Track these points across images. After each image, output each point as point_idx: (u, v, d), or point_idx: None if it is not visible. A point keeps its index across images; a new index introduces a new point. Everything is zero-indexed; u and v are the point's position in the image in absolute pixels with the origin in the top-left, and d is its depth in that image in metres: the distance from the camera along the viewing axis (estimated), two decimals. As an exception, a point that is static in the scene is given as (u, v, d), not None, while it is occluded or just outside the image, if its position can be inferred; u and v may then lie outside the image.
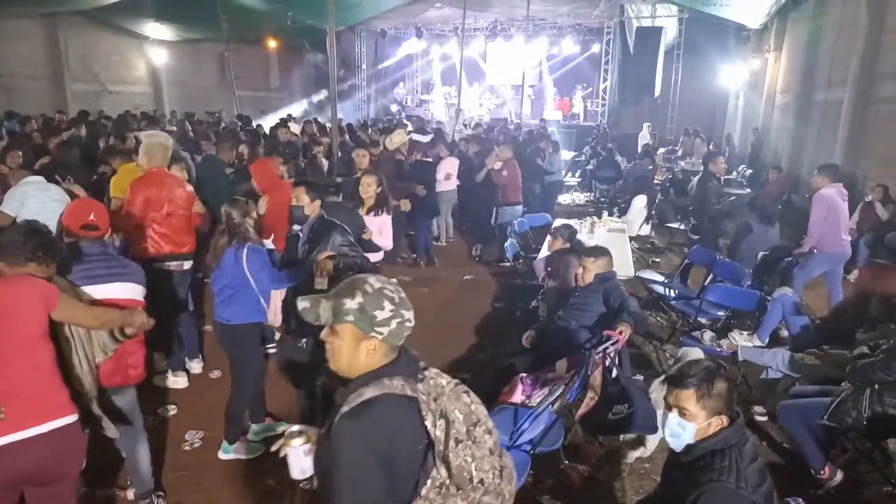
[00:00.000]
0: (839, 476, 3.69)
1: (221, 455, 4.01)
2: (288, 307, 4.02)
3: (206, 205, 5.11)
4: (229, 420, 3.95)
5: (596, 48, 21.65)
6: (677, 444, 2.27)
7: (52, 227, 3.57)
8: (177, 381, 4.93)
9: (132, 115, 13.74)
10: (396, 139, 8.54)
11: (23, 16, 15.09)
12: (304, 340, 3.82)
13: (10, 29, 14.96)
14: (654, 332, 6.13)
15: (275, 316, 3.99)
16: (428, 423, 1.66)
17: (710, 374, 2.23)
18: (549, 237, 6.14)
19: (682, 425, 2.23)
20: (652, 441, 4.02)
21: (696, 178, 9.45)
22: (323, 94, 23.45)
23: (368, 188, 5.17)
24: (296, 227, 4.10)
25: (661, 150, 16.11)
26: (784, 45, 15.51)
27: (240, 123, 13.99)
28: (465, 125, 17.17)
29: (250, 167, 5.96)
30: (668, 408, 2.30)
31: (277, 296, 3.98)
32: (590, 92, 22.43)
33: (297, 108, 23.42)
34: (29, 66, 15.71)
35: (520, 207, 8.68)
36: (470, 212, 9.92)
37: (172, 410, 4.55)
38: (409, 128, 13.66)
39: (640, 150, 16.28)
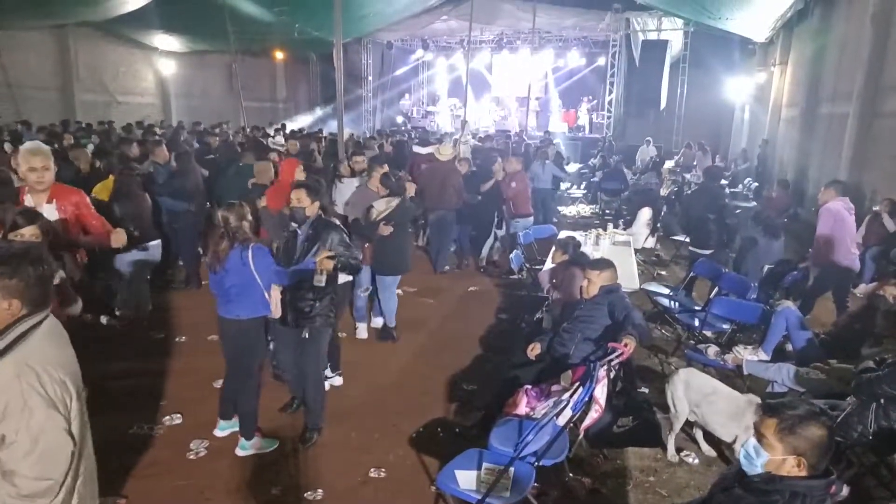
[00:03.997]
0: (845, 491, 3.66)
1: (239, 452, 4.16)
2: (286, 302, 4.21)
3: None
4: (243, 417, 4.18)
5: (601, 61, 21.76)
6: (748, 468, 2.22)
7: None
8: None
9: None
10: (447, 151, 8.63)
11: (33, 27, 15.25)
12: (305, 331, 4.19)
13: (21, 40, 15.13)
14: (659, 345, 6.13)
15: (276, 308, 4.18)
16: None
17: (806, 415, 2.14)
18: (553, 249, 6.15)
19: (757, 451, 2.18)
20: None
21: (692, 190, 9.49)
22: (330, 106, 23.57)
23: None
24: (293, 225, 4.30)
25: (670, 164, 16.11)
26: (790, 59, 15.55)
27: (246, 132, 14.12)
28: (473, 136, 17.22)
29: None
30: (755, 430, 2.26)
31: (276, 290, 4.18)
32: (595, 104, 22.51)
33: (304, 120, 23.55)
34: (39, 77, 15.87)
35: (531, 219, 8.73)
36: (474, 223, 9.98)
37: (177, 419, 4.57)
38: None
39: (641, 164, 16.31)
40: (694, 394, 4.06)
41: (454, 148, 9.20)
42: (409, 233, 6.42)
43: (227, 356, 4.20)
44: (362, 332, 6.21)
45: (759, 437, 2.19)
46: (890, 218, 8.01)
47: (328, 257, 3.95)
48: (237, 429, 4.28)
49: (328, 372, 5.02)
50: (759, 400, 3.98)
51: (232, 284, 3.93)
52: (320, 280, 3.98)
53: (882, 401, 3.50)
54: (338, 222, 4.62)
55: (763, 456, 2.16)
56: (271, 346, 4.65)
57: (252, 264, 3.89)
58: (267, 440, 4.28)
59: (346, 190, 6.98)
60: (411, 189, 6.75)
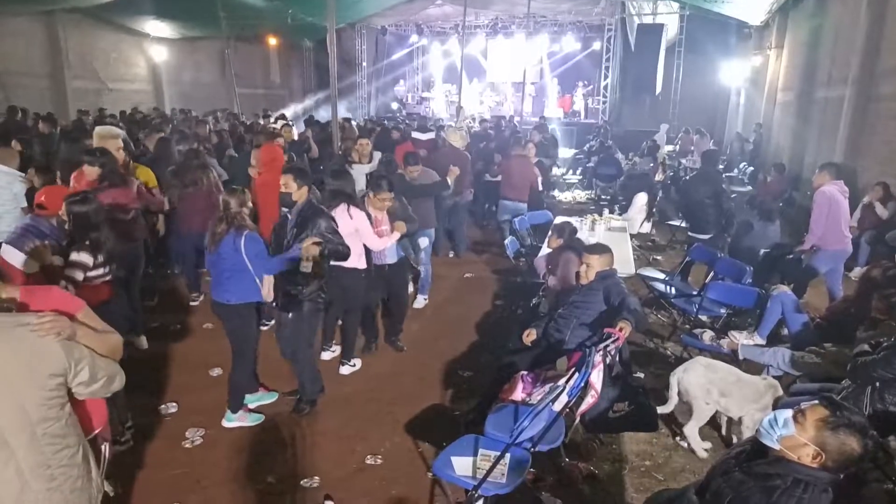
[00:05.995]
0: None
1: (225, 423, 4.32)
2: (277, 286, 4.30)
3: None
4: (233, 390, 4.34)
5: (597, 45, 21.62)
6: (765, 434, 2.19)
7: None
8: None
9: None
10: (457, 138, 8.62)
11: (22, 13, 15.04)
12: (289, 315, 4.30)
13: (10, 26, 14.91)
14: (654, 330, 6.13)
15: (269, 292, 4.27)
16: None
17: (857, 425, 2.09)
18: (549, 234, 6.14)
19: (787, 423, 2.15)
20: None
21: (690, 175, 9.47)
22: (324, 92, 23.41)
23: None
24: (284, 210, 4.40)
25: (667, 149, 16.06)
26: (785, 43, 15.49)
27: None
28: (472, 119, 17.12)
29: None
30: (799, 408, 2.21)
31: (268, 284, 4.28)
32: (591, 89, 22.40)
33: (298, 106, 23.40)
34: (28, 64, 15.65)
35: (511, 204, 8.52)
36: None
37: (173, 408, 4.56)
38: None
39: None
40: (721, 383, 4.04)
41: (462, 133, 9.19)
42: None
43: (228, 338, 4.35)
44: None
45: (800, 414, 2.15)
46: (882, 206, 7.99)
47: (314, 243, 4.02)
48: (264, 401, 4.54)
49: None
50: (777, 384, 4.02)
51: (224, 268, 4.04)
52: (306, 266, 4.03)
53: (877, 384, 3.50)
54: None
55: (790, 429, 2.13)
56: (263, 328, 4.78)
57: (243, 251, 3.96)
58: (253, 415, 4.41)
59: (357, 176, 6.91)
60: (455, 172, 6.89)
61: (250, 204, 4.17)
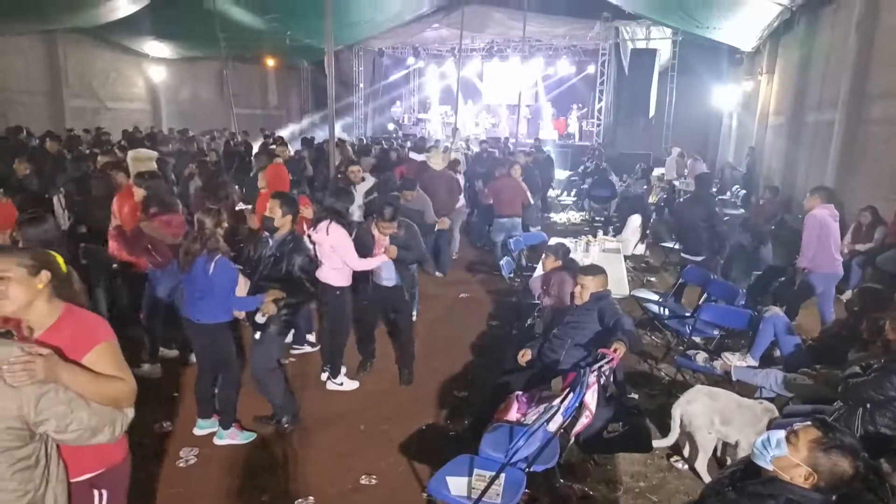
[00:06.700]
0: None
1: (217, 441, 4.30)
2: None
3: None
4: (221, 407, 4.35)
5: (591, 69, 21.90)
6: (758, 456, 2.20)
7: None
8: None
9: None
10: (438, 160, 8.74)
11: (22, 32, 15.16)
12: (257, 334, 4.32)
13: (9, 45, 15.01)
14: (648, 351, 6.16)
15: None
16: None
17: (849, 447, 2.11)
18: (543, 255, 6.18)
19: (779, 444, 2.16)
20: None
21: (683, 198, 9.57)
22: (321, 113, 23.54)
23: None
24: (265, 234, 4.42)
25: (659, 171, 16.21)
26: (776, 68, 15.71)
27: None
28: (466, 142, 17.25)
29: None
30: (791, 429, 2.22)
31: (242, 291, 4.32)
32: (585, 112, 22.63)
33: (295, 127, 23.53)
34: (27, 82, 15.76)
35: (507, 221, 8.66)
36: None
37: (167, 427, 4.55)
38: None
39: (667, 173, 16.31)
40: (723, 411, 4.03)
41: (445, 156, 9.36)
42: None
43: (197, 356, 4.37)
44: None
45: (792, 435, 2.17)
46: (863, 243, 8.03)
47: (274, 300, 4.06)
48: (215, 428, 4.39)
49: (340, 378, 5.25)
50: (773, 407, 4.02)
51: (196, 289, 4.03)
52: (261, 319, 4.12)
53: (868, 406, 3.54)
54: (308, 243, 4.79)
55: (782, 451, 2.15)
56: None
57: (213, 276, 3.93)
58: (244, 433, 4.38)
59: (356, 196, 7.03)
60: (445, 224, 7.21)
61: (225, 224, 4.18)
